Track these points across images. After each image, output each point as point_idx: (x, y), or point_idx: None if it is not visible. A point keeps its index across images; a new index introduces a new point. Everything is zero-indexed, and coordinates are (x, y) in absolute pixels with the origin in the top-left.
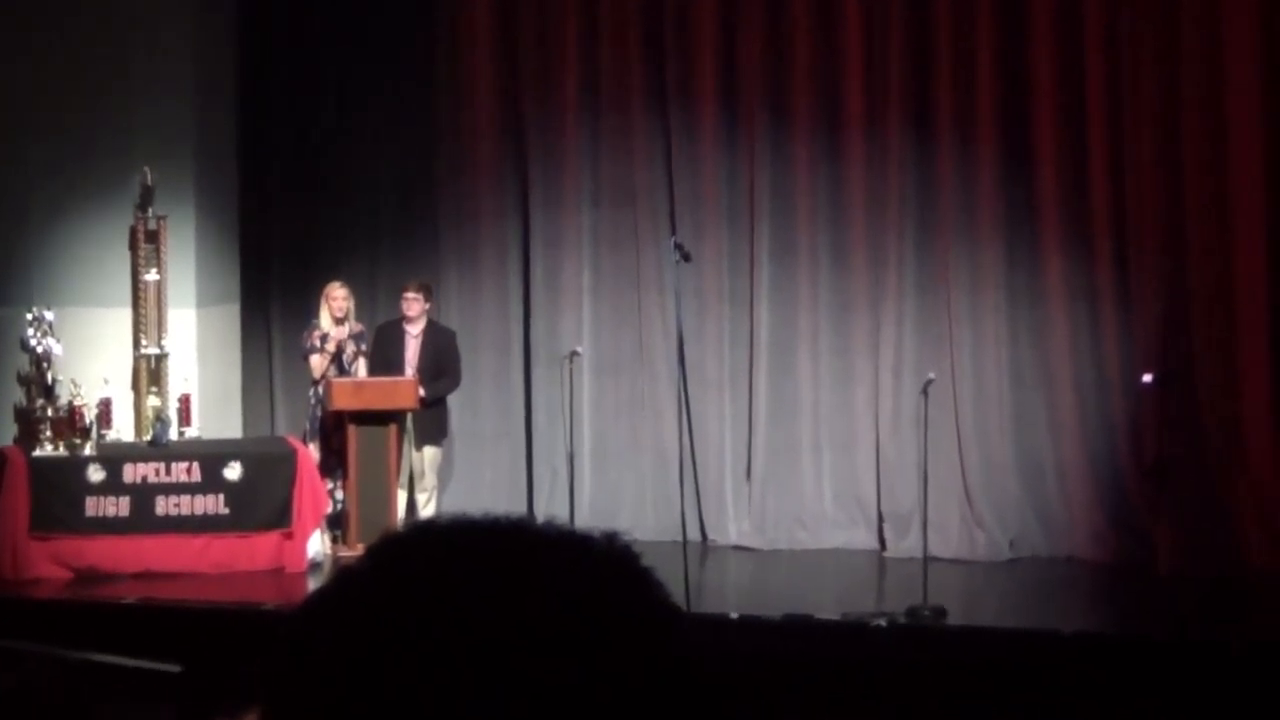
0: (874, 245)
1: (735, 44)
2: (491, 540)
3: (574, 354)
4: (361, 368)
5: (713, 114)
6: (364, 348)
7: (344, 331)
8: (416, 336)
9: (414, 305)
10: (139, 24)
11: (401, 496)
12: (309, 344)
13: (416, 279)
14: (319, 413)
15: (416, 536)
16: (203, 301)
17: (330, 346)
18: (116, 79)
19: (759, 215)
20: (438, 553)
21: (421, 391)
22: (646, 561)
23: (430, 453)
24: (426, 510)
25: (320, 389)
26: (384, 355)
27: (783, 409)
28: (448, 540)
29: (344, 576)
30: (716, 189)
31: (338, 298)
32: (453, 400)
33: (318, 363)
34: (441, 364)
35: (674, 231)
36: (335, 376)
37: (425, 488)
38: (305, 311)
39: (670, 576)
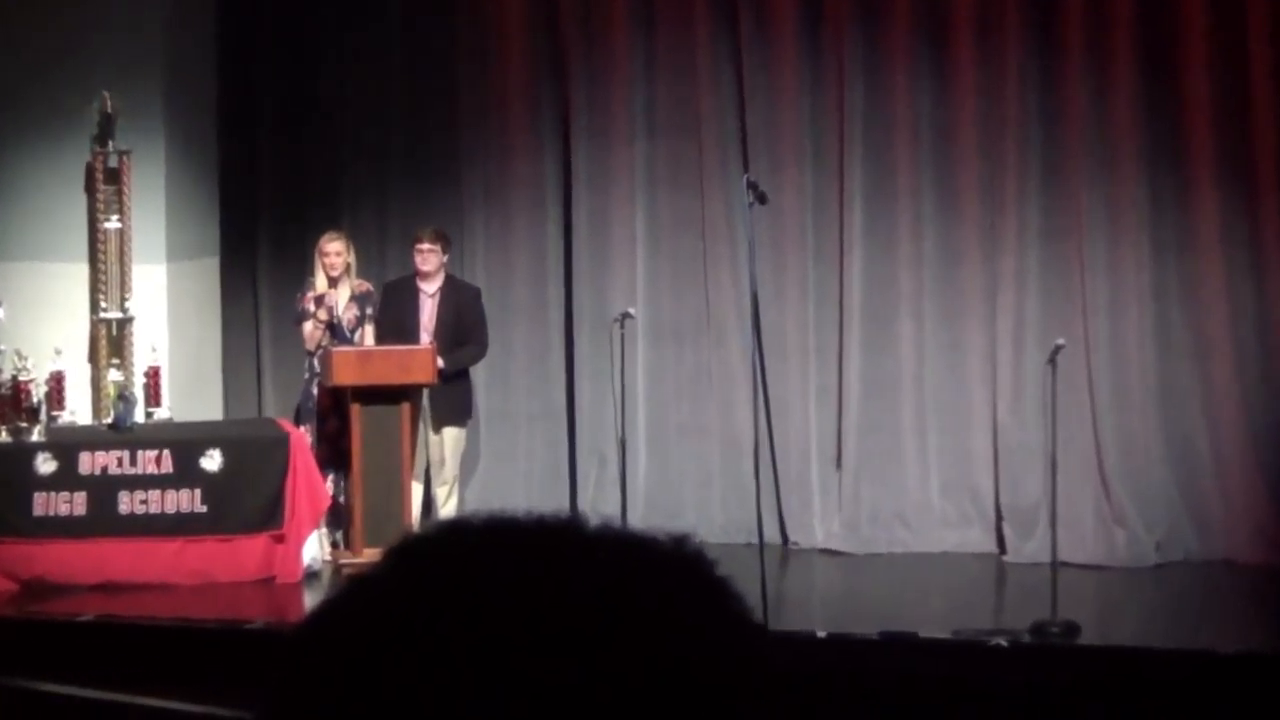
0: (990, 183)
1: None
2: (536, 545)
3: (625, 317)
4: (369, 335)
5: (792, 22)
6: (370, 311)
7: (336, 295)
8: (433, 295)
9: (429, 258)
10: None
11: (417, 490)
12: (301, 308)
13: (431, 226)
14: (315, 390)
15: (445, 539)
16: (175, 255)
17: (321, 314)
18: None
19: (850, 147)
20: (471, 560)
21: (440, 362)
22: (723, 570)
23: (451, 436)
24: (446, 507)
25: (316, 361)
26: (394, 318)
27: (880, 383)
28: (483, 544)
29: (354, 588)
30: (797, 115)
31: (330, 252)
32: (478, 374)
33: (310, 331)
34: (463, 328)
35: (746, 168)
36: (335, 346)
37: (445, 479)
38: (300, 267)
39: (744, 587)
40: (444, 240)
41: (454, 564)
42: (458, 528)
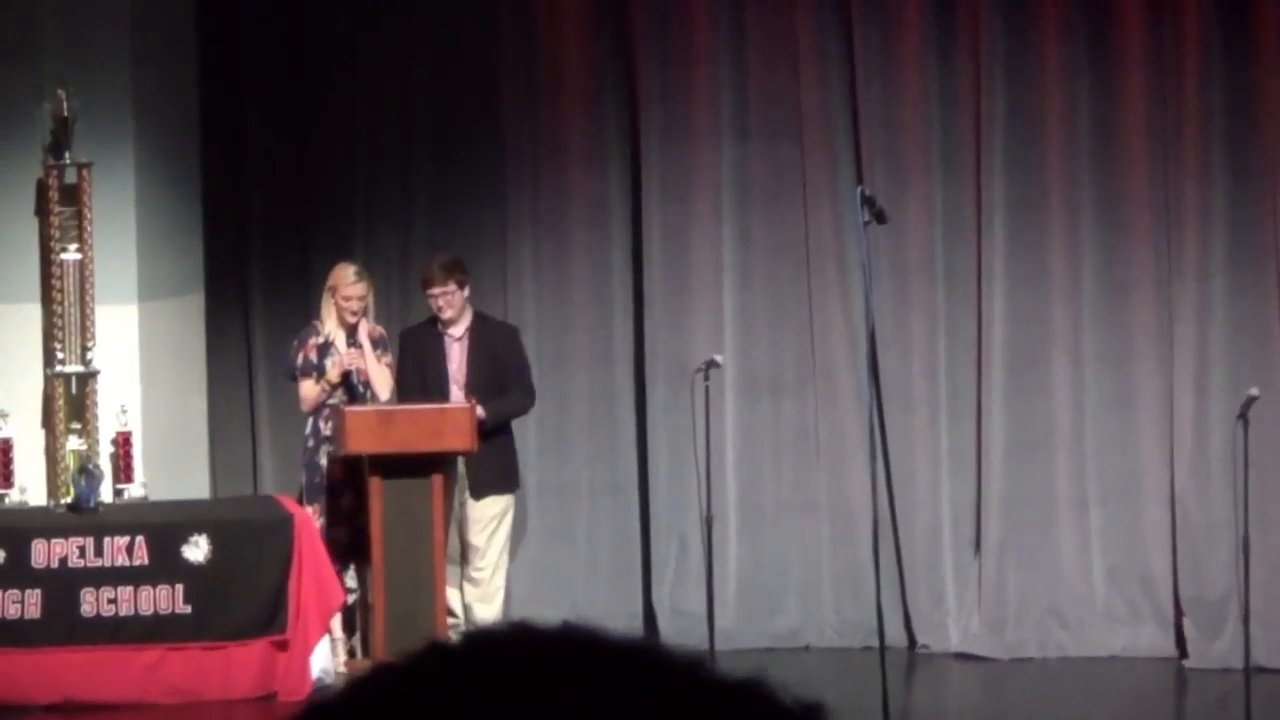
0: (1165, 194)
1: None
2: (609, 691)
3: (710, 365)
4: (384, 384)
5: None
6: (386, 357)
7: (357, 354)
8: (460, 339)
9: (448, 301)
10: None
11: (454, 582)
12: (299, 360)
13: (439, 260)
14: (323, 460)
15: (480, 660)
16: (149, 293)
17: (333, 375)
18: None
19: (989, 152)
20: (509, 695)
21: (480, 412)
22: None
23: (495, 507)
24: (489, 606)
25: (323, 424)
26: (416, 371)
27: (1029, 445)
28: (534, 677)
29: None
30: (924, 112)
31: (352, 295)
32: (527, 436)
33: (310, 392)
34: (502, 375)
35: (860, 179)
36: (347, 404)
37: (486, 564)
38: (305, 307)
39: (861, 699)
40: (458, 272)
41: (482, 697)
42: (505, 644)
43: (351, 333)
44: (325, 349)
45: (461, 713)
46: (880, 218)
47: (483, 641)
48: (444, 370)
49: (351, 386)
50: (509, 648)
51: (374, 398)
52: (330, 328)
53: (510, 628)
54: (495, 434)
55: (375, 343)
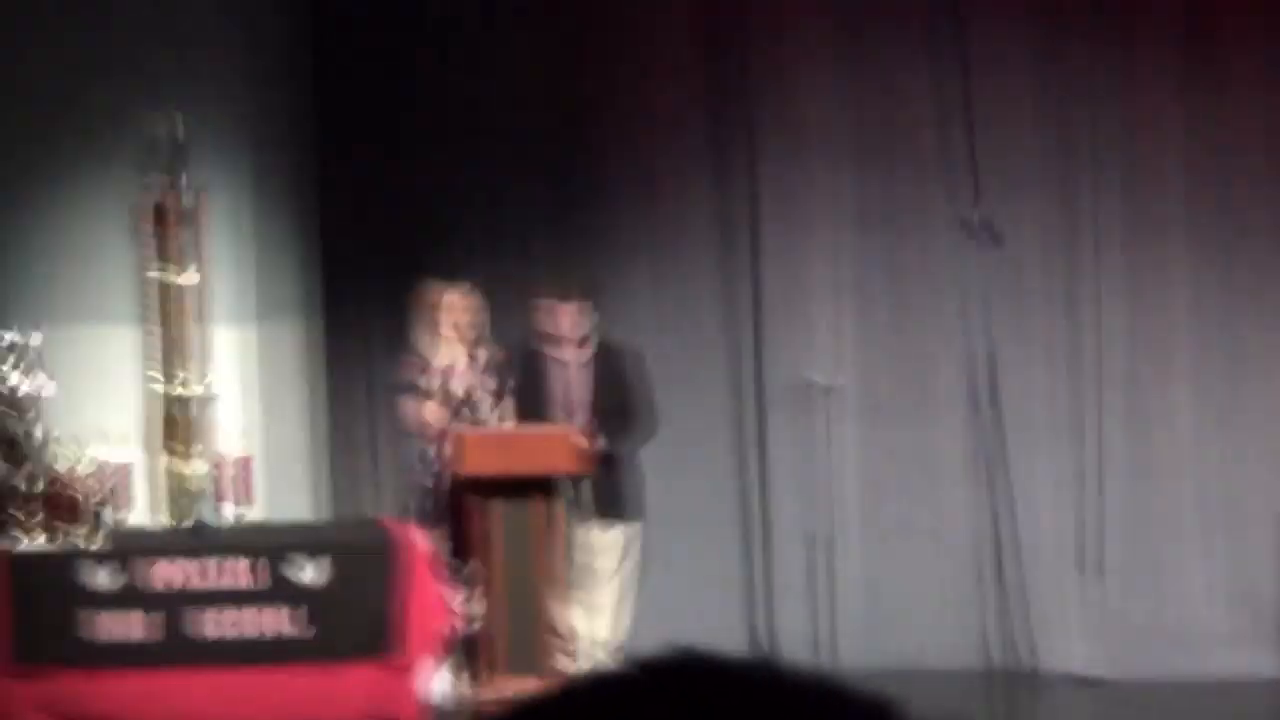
0: None
1: None
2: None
3: (829, 389)
4: (509, 413)
5: (1027, 19)
6: (510, 383)
7: (472, 374)
8: (585, 364)
9: (574, 322)
10: None
11: (573, 606)
12: (416, 382)
13: (570, 277)
14: (432, 482)
15: (622, 694)
16: (266, 314)
17: (457, 387)
18: None
19: (1104, 172)
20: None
21: (601, 442)
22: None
23: (619, 535)
24: (607, 631)
25: (440, 446)
26: (535, 393)
27: (1147, 468)
28: (713, 709)
29: None
30: (1038, 133)
31: (465, 311)
32: (645, 460)
33: (432, 411)
34: (623, 400)
35: (976, 201)
36: (463, 427)
37: (607, 589)
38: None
39: None
40: (590, 295)
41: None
42: (649, 679)
43: (471, 353)
44: (440, 373)
45: None
46: (995, 240)
47: (657, 669)
48: (564, 394)
49: (471, 407)
50: (686, 677)
51: (497, 422)
52: (444, 352)
53: (683, 655)
54: (617, 461)
55: (497, 370)
